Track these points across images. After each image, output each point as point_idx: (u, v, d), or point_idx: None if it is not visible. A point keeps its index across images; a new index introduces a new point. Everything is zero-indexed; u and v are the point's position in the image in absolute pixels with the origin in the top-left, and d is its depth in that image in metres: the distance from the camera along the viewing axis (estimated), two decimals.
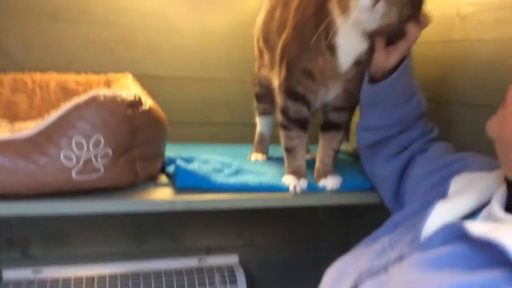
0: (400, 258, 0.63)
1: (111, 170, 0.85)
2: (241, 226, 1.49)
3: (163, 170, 1.02)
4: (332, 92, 0.94)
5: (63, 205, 0.82)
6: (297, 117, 0.95)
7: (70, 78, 1.21)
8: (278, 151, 1.06)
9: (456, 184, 0.71)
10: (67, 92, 1.20)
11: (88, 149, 0.82)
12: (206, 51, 1.37)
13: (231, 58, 1.39)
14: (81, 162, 0.82)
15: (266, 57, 1.06)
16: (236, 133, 1.41)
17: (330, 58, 0.88)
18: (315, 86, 0.92)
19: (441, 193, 0.72)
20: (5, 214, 0.80)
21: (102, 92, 0.85)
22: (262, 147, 1.19)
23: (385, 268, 0.64)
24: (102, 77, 1.20)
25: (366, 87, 0.90)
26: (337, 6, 0.83)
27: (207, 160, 1.01)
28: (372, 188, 1.01)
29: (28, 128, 0.84)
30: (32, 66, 1.24)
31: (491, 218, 0.59)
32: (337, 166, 1.01)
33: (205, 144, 1.33)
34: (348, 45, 0.87)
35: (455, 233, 0.56)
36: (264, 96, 1.17)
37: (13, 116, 1.15)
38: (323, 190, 0.97)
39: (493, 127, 0.60)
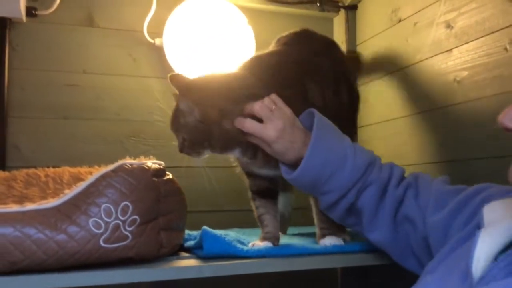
0: None
1: (138, 239, 0.84)
2: None
3: (182, 247, 1.00)
4: (260, 166, 0.97)
5: (90, 276, 0.79)
6: (255, 189, 1.01)
7: (83, 170, 1.23)
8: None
9: (490, 212, 0.69)
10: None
11: (116, 217, 0.82)
12: None
13: None
14: (109, 229, 0.81)
15: None
16: (247, 219, 1.40)
17: None
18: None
19: (475, 226, 0.70)
20: None
21: (129, 161, 0.88)
22: (280, 225, 1.17)
23: None
24: None
25: (287, 178, 0.89)
26: None
27: (227, 233, 1.01)
28: None
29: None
30: (44, 163, 1.26)
31: None
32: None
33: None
34: None
35: None
36: None
37: None
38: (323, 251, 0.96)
39: None
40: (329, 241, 0.97)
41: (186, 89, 0.91)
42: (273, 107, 0.87)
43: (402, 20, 1.34)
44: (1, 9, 1.25)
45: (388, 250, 0.90)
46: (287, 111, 0.88)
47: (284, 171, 0.90)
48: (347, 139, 0.90)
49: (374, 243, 0.92)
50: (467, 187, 0.82)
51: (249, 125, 0.87)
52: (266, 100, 0.87)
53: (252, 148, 0.93)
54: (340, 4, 1.59)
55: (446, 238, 0.80)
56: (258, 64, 0.97)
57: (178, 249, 0.98)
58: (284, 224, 1.19)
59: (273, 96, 0.89)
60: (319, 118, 0.88)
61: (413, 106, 1.29)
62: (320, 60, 1.03)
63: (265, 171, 0.98)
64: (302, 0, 1.55)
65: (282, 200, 1.19)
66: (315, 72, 1.00)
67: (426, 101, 1.24)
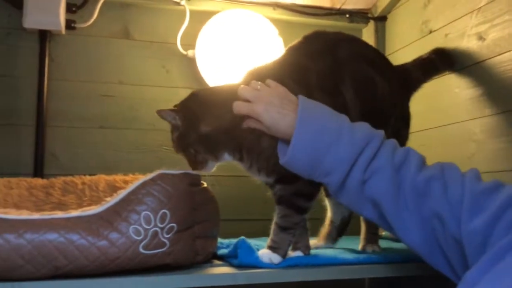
0: None
1: (175, 246, 0.86)
2: None
3: (214, 255, 1.02)
4: (253, 170, 0.99)
5: (131, 282, 0.82)
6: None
7: (118, 178, 1.27)
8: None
9: None
10: (115, 191, 1.25)
11: (155, 224, 0.85)
12: None
13: None
14: (149, 236, 0.84)
15: None
16: None
17: None
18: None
19: None
20: None
21: (166, 170, 0.91)
22: (324, 232, 1.16)
23: None
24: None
25: (283, 162, 0.85)
26: None
27: (257, 244, 1.01)
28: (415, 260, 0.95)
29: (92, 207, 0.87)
30: (80, 170, 1.30)
31: None
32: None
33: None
34: None
35: None
36: None
37: None
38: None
39: None
40: (371, 248, 1.07)
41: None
42: (259, 87, 0.87)
43: (433, 31, 1.35)
44: (42, 22, 1.31)
45: (416, 248, 0.83)
46: (280, 88, 0.88)
47: (280, 153, 0.87)
48: (344, 116, 0.87)
49: (402, 240, 0.84)
50: (502, 184, 0.76)
51: (234, 105, 0.88)
52: (252, 82, 0.88)
53: (238, 150, 0.97)
54: (369, 15, 1.60)
55: (486, 246, 0.73)
56: (250, 74, 0.99)
57: (211, 257, 1.00)
58: (330, 233, 1.16)
59: (268, 80, 0.89)
60: (302, 96, 0.87)
61: (438, 118, 1.30)
62: (313, 63, 1.00)
63: (260, 177, 1.00)
64: (331, 12, 1.57)
65: (333, 205, 1.16)
66: (302, 76, 0.98)
67: (456, 112, 1.24)
